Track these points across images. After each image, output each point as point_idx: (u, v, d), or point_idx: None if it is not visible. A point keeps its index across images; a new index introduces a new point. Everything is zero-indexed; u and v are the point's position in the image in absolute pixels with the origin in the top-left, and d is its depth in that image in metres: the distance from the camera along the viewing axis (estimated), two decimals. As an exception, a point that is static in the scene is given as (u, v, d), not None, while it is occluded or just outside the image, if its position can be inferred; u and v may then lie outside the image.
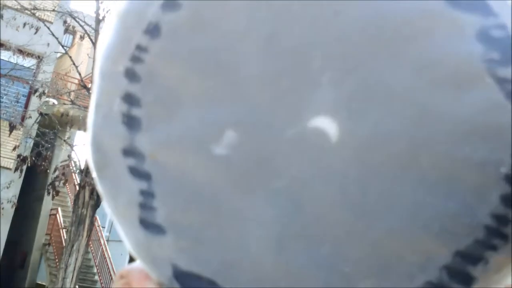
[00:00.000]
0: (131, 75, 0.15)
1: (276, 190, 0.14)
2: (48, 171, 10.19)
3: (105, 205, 0.16)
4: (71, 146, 9.77)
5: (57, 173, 9.04)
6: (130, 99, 0.15)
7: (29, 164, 9.21)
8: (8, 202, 10.74)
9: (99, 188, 0.16)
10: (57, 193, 9.40)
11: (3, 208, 10.96)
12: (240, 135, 0.15)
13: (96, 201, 8.43)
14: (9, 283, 11.73)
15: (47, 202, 12.25)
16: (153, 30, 0.15)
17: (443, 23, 0.14)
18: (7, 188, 10.73)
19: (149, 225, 0.15)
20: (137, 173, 0.15)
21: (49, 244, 12.87)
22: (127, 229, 0.16)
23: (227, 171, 0.14)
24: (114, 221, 0.16)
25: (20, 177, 10.53)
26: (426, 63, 0.14)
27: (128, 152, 0.15)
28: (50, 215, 12.94)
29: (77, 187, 9.51)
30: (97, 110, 0.16)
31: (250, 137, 0.15)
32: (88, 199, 8.29)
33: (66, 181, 9.81)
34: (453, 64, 0.14)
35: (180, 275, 0.15)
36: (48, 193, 9.39)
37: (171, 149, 0.14)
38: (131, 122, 0.15)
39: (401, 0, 0.14)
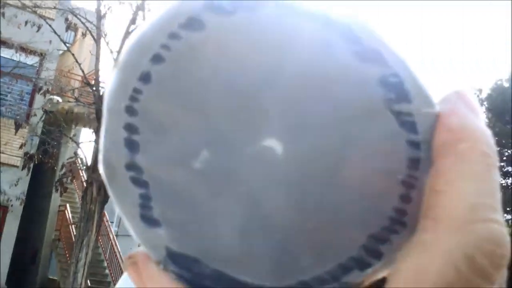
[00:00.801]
0: (130, 110, 0.20)
1: (240, 193, 0.20)
2: (55, 168, 10.17)
3: (115, 206, 0.21)
4: (77, 143, 9.75)
5: (64, 170, 9.02)
6: (130, 128, 0.20)
7: (36, 162, 9.18)
8: (16, 199, 10.74)
9: (110, 193, 0.21)
10: (65, 189, 9.36)
11: (12, 205, 10.98)
12: (212, 154, 0.20)
13: (104, 197, 8.36)
14: (21, 279, 11.81)
15: (55, 199, 12.29)
16: (145, 78, 0.20)
17: (355, 72, 0.20)
18: (15, 185, 10.69)
19: (148, 220, 0.20)
20: (137, 182, 0.20)
21: (59, 240, 12.91)
22: (131, 223, 0.21)
23: (203, 180, 0.20)
24: (122, 218, 0.21)
25: (27, 175, 10.53)
26: (344, 102, 0.20)
27: (130, 167, 0.20)
28: (58, 211, 13.01)
29: (85, 184, 9.52)
30: (106, 136, 0.21)
31: (220, 154, 0.20)
32: (96, 195, 8.30)
33: (73, 177, 9.83)
34: (363, 103, 0.20)
35: (172, 255, 0.20)
36: (56, 190, 9.34)
37: (161, 165, 0.20)
38: (131, 146, 0.20)
39: (327, 58, 0.20)
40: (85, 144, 9.61)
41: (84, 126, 11.89)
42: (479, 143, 0.18)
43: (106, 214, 10.62)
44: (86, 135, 11.40)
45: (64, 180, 9.04)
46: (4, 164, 10.89)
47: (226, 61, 0.20)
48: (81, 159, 9.77)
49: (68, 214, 12.94)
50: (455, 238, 0.17)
